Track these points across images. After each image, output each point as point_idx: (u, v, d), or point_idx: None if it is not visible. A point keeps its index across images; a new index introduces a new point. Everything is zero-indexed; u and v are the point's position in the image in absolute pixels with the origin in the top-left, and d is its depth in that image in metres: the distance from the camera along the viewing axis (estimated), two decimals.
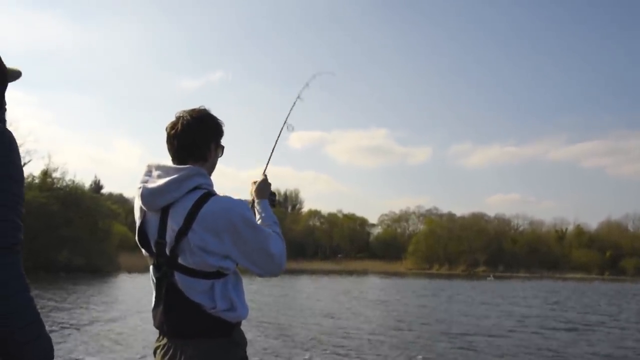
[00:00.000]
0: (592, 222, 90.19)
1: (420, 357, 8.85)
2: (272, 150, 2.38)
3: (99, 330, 10.48)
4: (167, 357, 1.77)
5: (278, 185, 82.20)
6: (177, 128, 1.84)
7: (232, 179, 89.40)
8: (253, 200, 2.08)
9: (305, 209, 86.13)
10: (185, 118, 1.84)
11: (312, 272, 47.54)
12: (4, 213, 1.26)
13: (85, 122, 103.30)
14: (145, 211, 1.82)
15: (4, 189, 1.26)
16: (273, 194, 2.14)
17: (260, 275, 1.85)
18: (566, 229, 77.75)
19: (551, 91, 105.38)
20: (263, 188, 2.11)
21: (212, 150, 1.90)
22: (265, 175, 2.17)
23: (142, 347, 8.79)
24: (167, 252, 1.75)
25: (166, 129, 1.87)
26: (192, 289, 1.74)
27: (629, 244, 68.41)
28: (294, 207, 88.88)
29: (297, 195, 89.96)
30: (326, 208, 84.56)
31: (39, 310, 1.29)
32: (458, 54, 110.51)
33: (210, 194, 1.77)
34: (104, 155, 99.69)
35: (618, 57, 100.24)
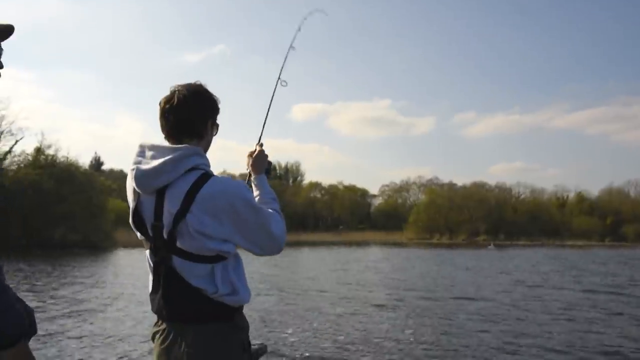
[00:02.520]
0: (595, 189, 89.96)
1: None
2: (267, 112, 2.31)
3: (93, 306, 10.26)
4: (167, 342, 1.73)
5: (280, 157, 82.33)
6: (173, 102, 1.75)
7: (233, 152, 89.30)
8: (250, 174, 2.03)
9: (307, 181, 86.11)
10: (181, 92, 1.76)
11: (313, 244, 47.60)
12: None
13: (86, 99, 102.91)
14: (139, 193, 1.74)
15: None
16: (269, 163, 2.06)
17: (260, 255, 1.80)
18: (567, 197, 77.62)
19: (556, 59, 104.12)
20: (260, 161, 2.05)
21: (209, 127, 1.83)
22: (261, 145, 2.11)
23: (133, 325, 8.53)
24: (165, 235, 1.69)
25: (160, 104, 1.78)
26: (192, 273, 1.69)
27: (629, 210, 68.27)
28: (295, 179, 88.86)
29: (297, 168, 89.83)
30: (328, 180, 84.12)
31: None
32: (461, 24, 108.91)
33: (208, 174, 1.70)
34: (106, 132, 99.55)
35: (622, 24, 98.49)
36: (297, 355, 6.79)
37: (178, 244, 1.68)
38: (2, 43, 1.40)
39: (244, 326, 1.80)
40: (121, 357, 6.46)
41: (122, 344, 7.15)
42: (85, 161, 58.35)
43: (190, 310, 1.70)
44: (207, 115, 1.82)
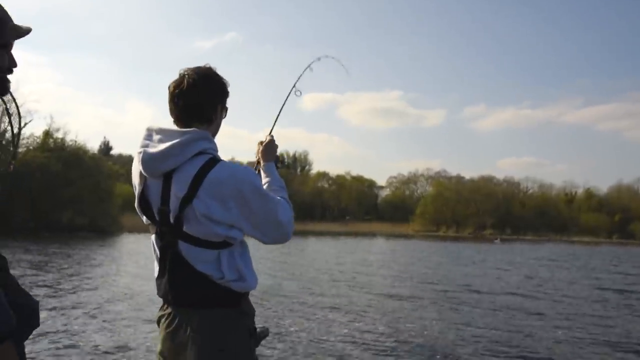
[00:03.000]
0: (604, 185, 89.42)
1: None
2: (279, 113, 2.34)
3: (96, 291, 10.25)
4: (172, 326, 1.73)
5: (289, 146, 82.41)
6: (183, 86, 1.72)
7: (245, 141, 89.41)
8: (258, 162, 2.02)
9: (315, 170, 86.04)
10: (190, 76, 1.73)
11: (320, 234, 47.63)
12: None
13: (97, 84, 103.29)
14: (145, 177, 1.72)
15: None
16: (277, 157, 2.05)
17: (266, 243, 1.77)
18: (575, 192, 77.09)
19: (568, 54, 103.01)
20: (270, 149, 2.04)
21: (218, 111, 1.80)
22: (272, 136, 2.10)
23: (135, 309, 8.49)
24: (172, 220, 1.67)
25: (169, 88, 1.75)
26: (198, 258, 1.67)
27: (638, 208, 67.67)
28: (303, 168, 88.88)
29: (306, 157, 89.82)
30: (337, 170, 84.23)
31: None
32: (473, 17, 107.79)
33: (215, 159, 1.67)
34: (116, 117, 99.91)
35: (634, 20, 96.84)
36: (296, 339, 6.76)
37: (185, 229, 1.66)
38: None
39: (250, 312, 1.78)
40: (126, 340, 6.41)
41: (127, 328, 7.11)
42: (94, 145, 58.59)
43: (196, 295, 1.69)
44: (217, 99, 1.79)
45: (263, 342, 1.95)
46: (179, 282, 1.70)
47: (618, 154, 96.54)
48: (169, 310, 1.76)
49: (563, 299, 11.67)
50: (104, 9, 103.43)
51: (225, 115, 1.85)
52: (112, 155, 65.93)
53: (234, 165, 1.69)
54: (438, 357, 6.30)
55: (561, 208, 72.37)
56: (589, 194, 74.74)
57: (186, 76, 1.73)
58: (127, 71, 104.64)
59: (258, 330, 1.83)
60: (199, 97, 1.73)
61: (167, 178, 1.67)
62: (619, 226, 67.15)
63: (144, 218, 1.78)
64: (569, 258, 27.64)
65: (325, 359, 6.04)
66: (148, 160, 1.67)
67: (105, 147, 71.85)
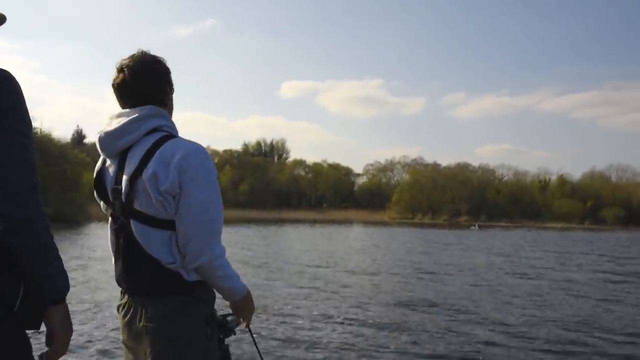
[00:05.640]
0: (579, 172, 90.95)
1: None
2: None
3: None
4: (129, 316, 1.71)
5: (267, 134, 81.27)
6: (126, 78, 1.69)
7: (223, 129, 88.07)
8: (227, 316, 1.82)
9: (292, 158, 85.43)
10: (131, 66, 1.69)
11: (296, 222, 47.20)
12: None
13: (74, 72, 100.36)
14: (105, 160, 1.74)
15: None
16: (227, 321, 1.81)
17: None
18: (549, 179, 78.21)
19: (548, 42, 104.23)
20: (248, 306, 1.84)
21: (168, 92, 1.78)
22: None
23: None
24: (123, 198, 1.65)
25: (114, 84, 1.72)
26: (149, 239, 1.63)
27: (609, 194, 69.07)
28: (280, 156, 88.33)
29: (283, 145, 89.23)
30: (315, 158, 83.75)
31: None
32: (456, 4, 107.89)
33: (171, 136, 1.66)
34: (95, 105, 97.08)
35: (616, 7, 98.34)
36: (273, 327, 6.23)
37: (135, 206, 1.63)
38: None
39: (207, 299, 1.70)
40: (90, 331, 5.80)
41: (93, 318, 6.49)
42: (67, 134, 56.75)
43: (149, 282, 1.65)
44: (163, 80, 1.76)
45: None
46: (132, 269, 1.67)
47: (594, 141, 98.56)
48: (126, 298, 1.73)
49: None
50: None
51: (173, 91, 1.82)
52: (85, 144, 64.08)
53: (191, 142, 1.65)
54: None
55: (535, 195, 73.37)
56: (562, 181, 75.88)
57: (126, 68, 1.69)
58: (103, 58, 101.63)
59: (220, 316, 1.75)
60: (147, 83, 1.70)
61: (123, 158, 1.66)
62: (591, 212, 68.41)
63: (102, 204, 1.78)
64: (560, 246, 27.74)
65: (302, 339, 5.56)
66: (105, 138, 1.68)
67: (79, 136, 69.96)
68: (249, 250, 17.84)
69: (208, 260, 1.62)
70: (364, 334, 6.42)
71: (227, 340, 1.83)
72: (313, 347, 5.78)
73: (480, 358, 5.62)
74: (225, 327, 1.79)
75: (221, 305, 1.80)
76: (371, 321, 7.14)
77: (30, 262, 1.34)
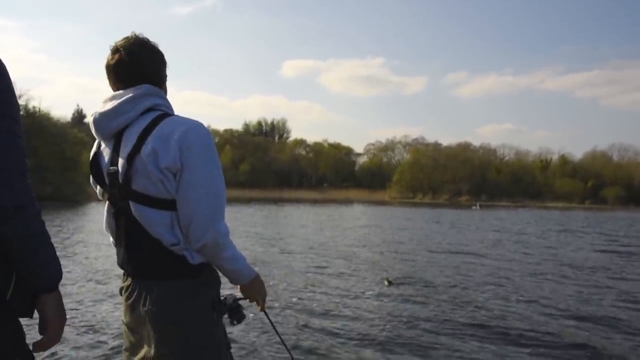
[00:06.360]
0: (580, 152, 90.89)
1: None
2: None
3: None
4: (132, 299, 1.66)
5: (268, 114, 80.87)
6: (123, 58, 1.64)
7: (224, 108, 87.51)
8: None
9: (293, 138, 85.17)
10: (126, 47, 1.65)
11: (297, 201, 47.15)
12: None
13: (75, 52, 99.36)
14: (100, 143, 1.69)
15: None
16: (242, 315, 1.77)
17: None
18: (551, 159, 78.04)
19: (550, 21, 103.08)
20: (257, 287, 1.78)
21: (164, 77, 1.74)
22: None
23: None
24: (121, 180, 1.59)
25: (108, 66, 1.66)
26: (151, 221, 1.58)
27: (611, 174, 68.99)
28: (280, 136, 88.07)
29: (284, 124, 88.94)
30: (316, 138, 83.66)
31: None
32: None
33: (167, 114, 1.62)
34: (96, 85, 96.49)
35: None
36: (276, 305, 6.12)
37: (134, 187, 1.57)
38: None
39: (212, 282, 1.66)
40: (93, 313, 5.66)
41: (95, 302, 6.36)
42: (68, 114, 56.35)
43: (154, 265, 1.60)
44: (158, 60, 1.71)
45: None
46: (136, 252, 1.62)
47: (596, 120, 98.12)
48: (129, 281, 1.68)
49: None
50: None
51: (166, 77, 1.78)
52: (85, 124, 63.98)
53: (190, 119, 1.61)
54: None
55: (536, 174, 73.28)
56: (564, 160, 75.74)
57: (122, 48, 1.63)
58: (106, 38, 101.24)
59: (224, 298, 1.71)
60: (145, 62, 1.65)
61: (118, 139, 1.61)
62: (592, 192, 68.44)
63: (98, 188, 1.72)
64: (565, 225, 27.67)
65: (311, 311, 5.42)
66: (100, 119, 1.63)
67: (79, 115, 69.90)
68: (252, 227, 17.74)
69: (213, 238, 1.56)
70: (384, 307, 6.31)
71: (243, 322, 1.77)
72: (330, 331, 5.65)
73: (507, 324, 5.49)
74: (235, 311, 1.74)
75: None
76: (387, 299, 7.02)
77: (22, 250, 1.30)
